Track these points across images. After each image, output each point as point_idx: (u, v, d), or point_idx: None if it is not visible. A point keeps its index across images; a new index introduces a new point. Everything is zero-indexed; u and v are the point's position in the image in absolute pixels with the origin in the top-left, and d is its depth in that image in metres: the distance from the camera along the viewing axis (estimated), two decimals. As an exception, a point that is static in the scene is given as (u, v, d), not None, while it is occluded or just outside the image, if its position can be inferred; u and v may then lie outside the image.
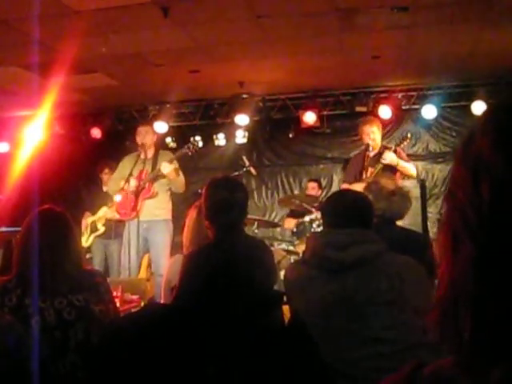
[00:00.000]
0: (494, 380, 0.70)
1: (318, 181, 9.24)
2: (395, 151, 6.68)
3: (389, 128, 9.10)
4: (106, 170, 8.23)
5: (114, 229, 7.75)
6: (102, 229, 7.83)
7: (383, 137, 7.56)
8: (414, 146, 9.30)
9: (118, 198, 6.85)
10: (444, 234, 0.79)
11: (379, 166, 6.55)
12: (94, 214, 7.91)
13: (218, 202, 3.43)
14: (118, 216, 7.13)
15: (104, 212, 7.79)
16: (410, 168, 6.71)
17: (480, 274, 0.72)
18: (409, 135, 7.16)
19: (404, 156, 6.86)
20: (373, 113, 8.59)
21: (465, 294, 0.74)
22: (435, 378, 0.78)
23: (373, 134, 6.90)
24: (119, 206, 6.92)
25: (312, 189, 8.78)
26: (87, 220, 7.81)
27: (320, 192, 8.96)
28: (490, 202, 0.72)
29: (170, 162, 6.65)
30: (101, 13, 5.76)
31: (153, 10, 5.69)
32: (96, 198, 8.11)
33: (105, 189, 8.14)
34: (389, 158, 6.53)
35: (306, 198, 7.94)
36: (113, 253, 7.95)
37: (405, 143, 7.11)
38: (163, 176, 6.73)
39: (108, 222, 7.78)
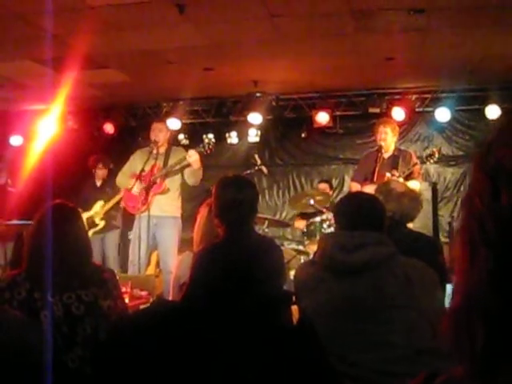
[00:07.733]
0: None
1: (329, 181, 9.23)
2: (412, 172, 6.57)
3: (401, 130, 9.06)
4: (100, 165, 8.25)
5: (111, 221, 7.81)
6: (101, 223, 7.77)
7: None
8: (426, 148, 9.25)
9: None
10: (460, 242, 0.78)
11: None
12: (85, 210, 7.60)
13: (227, 200, 3.44)
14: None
15: (100, 206, 7.77)
16: (415, 189, 6.56)
17: (497, 284, 0.71)
18: (437, 154, 6.93)
19: (418, 171, 6.74)
20: (386, 114, 8.56)
21: (480, 304, 0.73)
22: None
23: (384, 135, 6.81)
24: (128, 200, 6.89)
25: (323, 190, 8.76)
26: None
27: (331, 192, 8.94)
28: (511, 211, 0.71)
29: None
30: (115, 9, 5.77)
31: (168, 7, 5.69)
32: (91, 193, 8.09)
33: (98, 183, 8.21)
34: None
35: (318, 193, 7.94)
36: (110, 245, 7.96)
37: (431, 160, 6.98)
38: (176, 172, 6.71)
39: (106, 216, 7.79)
